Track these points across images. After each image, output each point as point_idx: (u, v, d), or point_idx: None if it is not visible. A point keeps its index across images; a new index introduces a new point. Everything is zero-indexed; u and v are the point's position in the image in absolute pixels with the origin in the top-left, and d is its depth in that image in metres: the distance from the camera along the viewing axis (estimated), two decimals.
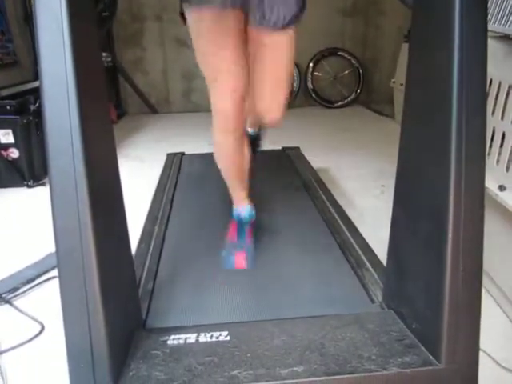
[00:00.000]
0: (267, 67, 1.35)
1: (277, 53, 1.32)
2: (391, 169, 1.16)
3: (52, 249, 0.91)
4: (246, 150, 1.54)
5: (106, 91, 1.04)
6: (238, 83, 1.31)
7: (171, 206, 1.82)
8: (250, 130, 1.74)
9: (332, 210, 1.80)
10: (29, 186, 2.71)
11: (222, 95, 1.33)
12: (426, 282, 0.99)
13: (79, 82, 0.85)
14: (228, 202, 1.61)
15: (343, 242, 1.54)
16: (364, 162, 2.97)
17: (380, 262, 1.39)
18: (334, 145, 3.43)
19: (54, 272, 1.69)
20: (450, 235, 0.91)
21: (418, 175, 1.01)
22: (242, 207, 1.55)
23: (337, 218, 1.72)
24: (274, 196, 1.93)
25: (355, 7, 4.80)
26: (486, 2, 0.93)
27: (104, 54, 4.31)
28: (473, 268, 0.93)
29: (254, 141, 1.77)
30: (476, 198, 0.92)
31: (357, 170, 2.82)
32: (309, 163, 2.44)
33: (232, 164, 1.49)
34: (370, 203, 2.29)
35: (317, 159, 2.65)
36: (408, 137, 1.04)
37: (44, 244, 1.82)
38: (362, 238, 1.57)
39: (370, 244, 1.54)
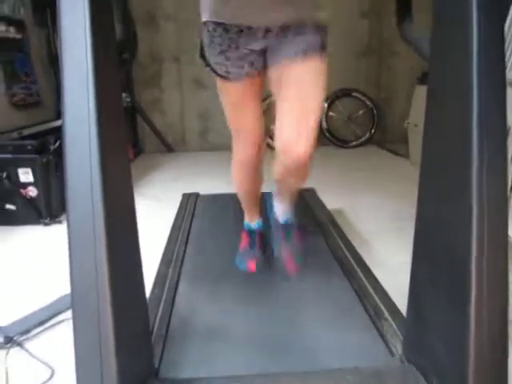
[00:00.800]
0: (292, 97, 1.30)
1: (302, 81, 1.28)
2: (407, 210, 1.14)
3: (66, 290, 0.90)
4: (263, 173, 1.68)
5: (126, 132, 1.06)
6: (257, 137, 1.52)
7: (186, 248, 1.81)
8: (279, 213, 1.74)
9: (347, 254, 1.77)
10: (45, 224, 2.74)
11: (243, 146, 1.54)
12: (448, 336, 0.95)
13: (100, 123, 0.87)
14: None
15: (360, 288, 1.51)
16: (379, 204, 2.94)
17: (399, 312, 1.35)
18: (349, 185, 3.42)
19: (68, 314, 1.67)
20: (473, 288, 0.88)
21: (438, 226, 0.99)
22: (253, 219, 1.81)
23: (352, 262, 1.69)
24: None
25: (369, 49, 4.91)
26: (503, 54, 0.94)
27: (124, 95, 4.44)
28: (498, 322, 0.89)
29: (286, 230, 1.73)
30: (499, 249, 0.89)
31: (372, 212, 2.79)
32: (324, 205, 2.43)
33: (248, 191, 1.72)
34: (386, 246, 2.25)
35: (332, 200, 2.64)
36: (427, 187, 1.03)
37: (59, 284, 1.82)
38: (380, 285, 1.53)
39: (387, 289, 1.50)
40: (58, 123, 3.54)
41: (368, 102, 4.94)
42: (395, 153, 4.52)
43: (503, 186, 0.88)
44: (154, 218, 2.63)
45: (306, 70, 1.27)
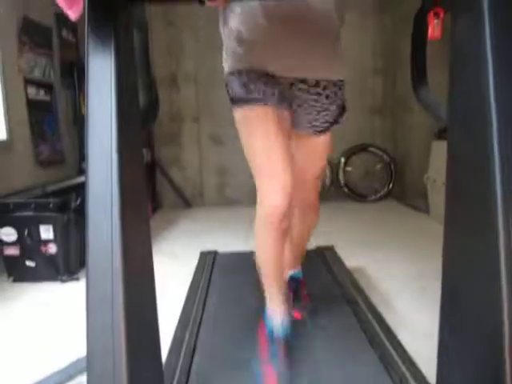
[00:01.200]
0: (306, 164, 1.53)
1: (316, 152, 1.54)
2: (429, 268, 1.10)
3: (82, 352, 0.87)
4: (287, 253, 1.62)
5: (146, 190, 1.07)
6: (288, 181, 1.29)
7: (203, 311, 1.77)
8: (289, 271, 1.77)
9: (370, 318, 1.70)
10: (63, 281, 2.74)
11: (271, 192, 1.30)
12: None
13: (122, 183, 0.88)
14: (264, 303, 1.53)
15: (384, 355, 1.43)
16: (400, 261, 2.87)
17: (426, 381, 1.27)
18: (369, 241, 3.36)
19: (83, 378, 1.63)
20: (507, 362, 0.83)
21: (466, 289, 0.95)
22: (276, 318, 1.40)
23: (376, 326, 1.62)
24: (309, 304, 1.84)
25: (384, 105, 5.00)
26: None
27: (144, 151, 4.57)
28: None
29: (296, 288, 1.74)
30: None
31: (394, 270, 2.72)
32: (344, 264, 2.38)
33: (272, 259, 1.40)
34: (410, 307, 2.16)
35: (352, 257, 2.59)
36: (452, 246, 0.99)
37: (73, 346, 1.78)
38: (405, 351, 1.46)
39: (413, 355, 1.42)
40: (79, 180, 3.63)
41: (385, 157, 4.96)
42: (415, 207, 4.47)
43: None
44: (172, 276, 2.60)
45: (320, 144, 1.53)
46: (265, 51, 1.30)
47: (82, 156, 4.07)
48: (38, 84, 3.60)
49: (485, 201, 0.87)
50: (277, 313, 1.41)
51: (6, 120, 3.18)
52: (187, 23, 4.68)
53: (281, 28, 1.26)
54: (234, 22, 1.31)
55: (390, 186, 4.95)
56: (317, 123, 1.45)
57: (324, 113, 1.42)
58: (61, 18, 3.79)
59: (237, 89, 1.33)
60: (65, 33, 4.03)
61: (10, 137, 3.21)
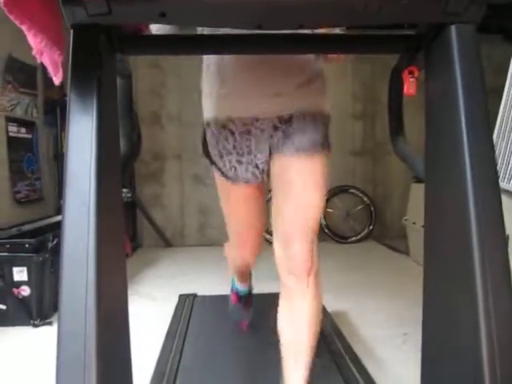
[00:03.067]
0: (292, 193, 1.24)
1: (303, 177, 1.25)
2: (411, 314, 1.10)
3: None
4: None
5: (123, 230, 1.05)
6: (257, 244, 1.51)
7: (180, 360, 1.71)
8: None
9: (351, 366, 1.67)
10: (35, 326, 2.63)
11: (240, 253, 1.57)
12: None
13: (99, 223, 0.86)
14: (243, 354, 1.51)
15: None
16: (382, 305, 2.85)
17: None
18: (350, 284, 3.35)
19: None
20: None
21: (446, 342, 0.95)
22: (241, 286, 1.98)
23: (357, 376, 1.59)
24: None
25: (364, 148, 5.11)
26: (495, 165, 0.96)
27: (124, 190, 4.53)
28: None
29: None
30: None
31: (375, 315, 2.69)
32: (324, 307, 2.35)
33: (240, 267, 1.80)
34: (392, 355, 2.13)
35: (333, 301, 2.56)
36: (431, 291, 0.99)
37: None
38: None
39: None
40: (57, 218, 3.55)
41: (365, 199, 5.02)
42: (395, 249, 4.49)
43: (508, 293, 0.85)
44: (149, 320, 2.53)
45: (308, 169, 1.24)
46: (231, 98, 1.27)
47: (61, 194, 4.01)
48: (20, 122, 3.58)
49: (462, 250, 0.88)
50: (242, 282, 1.97)
51: None
52: (171, 64, 4.77)
53: (246, 72, 1.24)
54: (208, 71, 1.32)
55: (371, 227, 4.99)
56: (299, 143, 1.25)
57: (307, 134, 1.26)
58: None
59: (212, 153, 1.33)
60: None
61: None
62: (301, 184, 1.23)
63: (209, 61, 1.30)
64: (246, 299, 2.04)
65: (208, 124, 1.33)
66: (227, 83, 1.26)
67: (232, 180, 1.33)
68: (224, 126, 1.28)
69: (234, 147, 1.28)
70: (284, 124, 1.26)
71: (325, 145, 1.28)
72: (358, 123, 5.12)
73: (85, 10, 0.78)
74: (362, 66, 4.95)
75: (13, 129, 3.49)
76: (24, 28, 0.77)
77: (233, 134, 1.28)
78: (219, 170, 1.35)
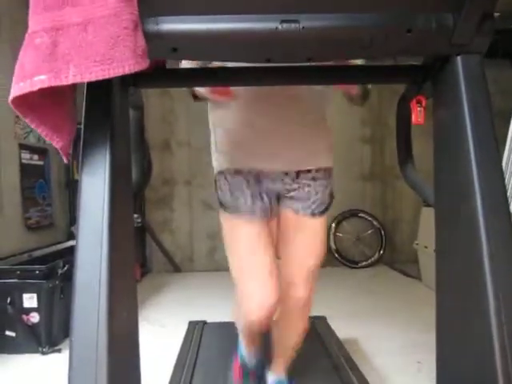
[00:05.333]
0: (298, 251, 1.40)
1: (308, 236, 1.40)
2: (425, 341, 1.08)
3: None
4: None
5: (134, 256, 1.06)
6: (272, 297, 1.31)
7: None
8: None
9: None
10: (43, 353, 2.61)
11: (252, 310, 1.33)
12: None
13: (111, 248, 0.87)
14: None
15: None
16: (395, 332, 2.80)
17: None
18: (361, 310, 3.30)
19: None
20: None
21: (460, 366, 0.93)
22: (250, 356, 1.68)
23: None
24: (299, 380, 1.77)
25: (373, 172, 5.11)
26: (505, 189, 0.96)
27: (135, 216, 4.55)
28: None
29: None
30: None
31: (388, 342, 2.64)
32: (335, 335, 2.32)
33: (252, 337, 1.60)
34: None
35: (344, 328, 2.53)
36: (444, 316, 0.98)
37: None
38: None
39: None
40: (68, 244, 3.58)
41: (375, 223, 4.99)
42: (406, 274, 4.43)
43: None
44: (158, 347, 2.50)
45: (313, 230, 1.40)
46: (249, 149, 1.33)
47: (72, 220, 4.05)
48: (33, 149, 3.65)
49: (475, 275, 0.87)
50: (251, 352, 1.67)
51: None
52: (181, 92, 4.85)
53: (264, 124, 1.29)
54: (217, 119, 1.38)
55: (381, 251, 4.94)
56: (314, 204, 1.38)
57: (319, 195, 1.38)
58: None
59: (225, 195, 1.37)
60: None
61: (1, 201, 3.20)
62: (307, 243, 1.39)
63: (222, 118, 1.38)
64: (250, 375, 1.68)
65: (221, 173, 1.39)
66: (241, 139, 1.33)
67: (244, 215, 1.35)
68: (238, 172, 1.35)
69: (248, 188, 1.35)
70: (296, 178, 1.36)
71: (330, 204, 1.42)
72: (366, 147, 5.13)
73: None
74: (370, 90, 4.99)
75: (26, 156, 3.56)
76: (26, 120, 0.80)
77: (247, 180, 1.35)
78: (232, 207, 1.36)
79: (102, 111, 0.94)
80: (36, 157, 3.71)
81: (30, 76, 0.74)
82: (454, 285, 0.97)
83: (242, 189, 1.34)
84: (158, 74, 0.98)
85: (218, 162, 1.40)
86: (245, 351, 1.68)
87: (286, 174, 1.35)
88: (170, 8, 0.78)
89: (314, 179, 1.36)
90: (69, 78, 0.72)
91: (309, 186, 1.35)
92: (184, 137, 4.96)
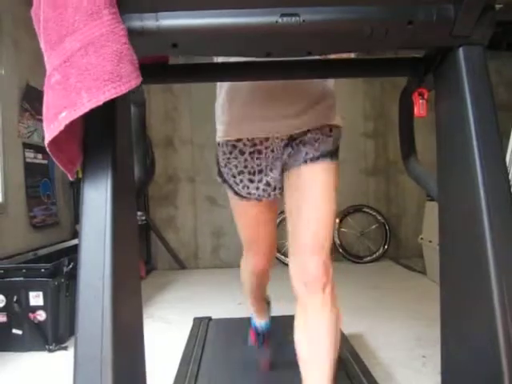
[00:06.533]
0: (306, 205, 1.25)
1: (315, 185, 1.25)
2: (430, 335, 1.07)
3: None
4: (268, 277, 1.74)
5: (138, 253, 1.07)
6: (269, 252, 1.57)
7: None
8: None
9: None
10: (50, 350, 2.63)
11: (254, 259, 1.58)
12: None
13: (115, 246, 0.87)
14: (260, 379, 1.49)
15: None
16: (399, 327, 2.80)
17: None
18: (366, 305, 3.30)
19: None
20: None
21: (465, 360, 0.93)
22: (260, 322, 1.94)
23: None
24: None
25: (376, 167, 5.09)
26: (510, 188, 0.95)
27: (139, 213, 4.57)
28: None
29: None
30: None
31: (393, 337, 2.64)
32: (341, 331, 2.31)
33: (256, 289, 1.78)
34: (412, 379, 2.08)
35: (349, 323, 2.51)
36: (448, 310, 0.98)
37: None
38: None
39: None
40: (73, 242, 3.59)
41: (379, 217, 4.98)
42: (411, 268, 4.43)
43: None
44: (164, 344, 2.51)
45: (320, 179, 1.25)
46: (248, 117, 1.28)
47: (76, 218, 4.06)
48: (37, 148, 3.66)
49: (478, 268, 0.87)
50: (259, 318, 1.95)
51: (2, 183, 3.21)
52: (182, 88, 4.85)
53: (256, 94, 1.25)
54: (220, 94, 1.35)
55: (386, 246, 4.93)
56: (311, 155, 1.27)
57: (316, 147, 1.27)
58: None
59: (223, 173, 1.37)
60: None
61: (6, 200, 3.22)
62: (314, 194, 1.24)
63: (221, 84, 1.34)
64: (265, 336, 1.99)
65: (219, 144, 1.36)
66: (236, 105, 1.29)
67: (244, 198, 1.37)
68: (234, 146, 1.32)
69: (246, 167, 1.32)
70: (294, 141, 1.29)
71: (335, 155, 1.28)
72: (369, 142, 5.12)
73: None
74: (372, 84, 4.98)
75: (30, 155, 3.57)
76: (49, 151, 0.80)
77: (243, 153, 1.31)
78: (232, 188, 1.38)
79: (104, 108, 0.94)
80: (40, 156, 3.72)
81: (55, 117, 0.75)
82: (457, 279, 0.96)
83: (240, 170, 1.32)
84: (160, 69, 0.98)
85: (217, 134, 1.38)
86: (255, 318, 1.97)
87: (286, 139, 1.28)
88: (170, 3, 0.78)
89: (315, 136, 1.27)
90: (85, 105, 0.73)
91: (310, 142, 1.27)
92: (187, 134, 4.96)
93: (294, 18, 0.76)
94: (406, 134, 1.14)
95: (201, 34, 0.79)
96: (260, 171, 1.32)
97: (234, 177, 1.35)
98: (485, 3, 0.81)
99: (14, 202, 3.32)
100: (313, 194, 1.24)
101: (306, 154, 1.26)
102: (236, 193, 1.38)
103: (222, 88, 1.34)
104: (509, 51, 4.47)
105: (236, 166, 1.33)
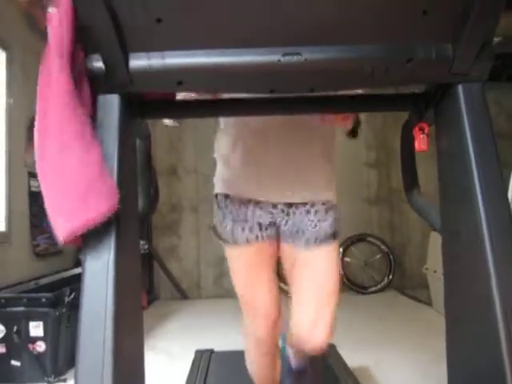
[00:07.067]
0: (305, 286, 1.31)
1: (314, 270, 1.30)
2: (436, 368, 1.06)
3: None
4: (279, 364, 1.47)
5: (141, 284, 1.06)
6: (272, 310, 1.34)
7: None
8: (292, 359, 1.61)
9: None
10: (49, 383, 2.58)
11: (255, 322, 1.36)
12: None
13: (117, 277, 0.86)
14: None
15: None
16: (405, 360, 2.74)
17: None
18: (371, 337, 3.24)
19: None
20: None
21: None
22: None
23: None
24: None
25: (380, 196, 5.10)
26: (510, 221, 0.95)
27: (142, 242, 4.56)
28: None
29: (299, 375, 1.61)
30: None
31: (398, 370, 2.58)
32: (345, 363, 2.27)
33: (265, 379, 1.48)
34: None
35: (353, 355, 2.48)
36: (455, 344, 0.96)
37: None
38: None
39: None
40: (75, 271, 3.57)
41: (383, 247, 4.95)
42: (416, 299, 4.36)
43: None
44: (165, 378, 2.46)
45: (320, 261, 1.30)
46: (249, 178, 1.30)
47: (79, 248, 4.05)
48: None
49: (483, 300, 0.87)
50: None
51: (6, 212, 3.22)
52: (188, 120, 4.92)
53: (267, 154, 1.27)
54: (222, 143, 1.36)
55: (390, 276, 4.88)
56: (311, 236, 1.32)
57: (316, 228, 1.32)
58: None
59: (220, 225, 1.34)
60: None
61: (9, 228, 3.23)
62: (316, 277, 1.30)
63: (226, 121, 1.35)
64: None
65: (216, 196, 1.38)
66: (241, 162, 1.31)
67: (236, 241, 1.32)
68: (229, 199, 1.33)
69: (238, 215, 1.31)
70: (297, 208, 1.31)
71: (336, 235, 1.34)
72: (372, 171, 5.14)
73: (108, 80, 0.83)
74: (374, 115, 5.03)
75: (34, 183, 3.60)
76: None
77: (240, 206, 1.31)
78: (225, 237, 1.34)
79: (110, 142, 0.96)
80: None
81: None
82: (462, 309, 0.96)
83: (233, 217, 1.31)
84: (165, 105, 1.00)
85: (215, 184, 1.40)
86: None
87: (276, 205, 1.31)
88: (176, 43, 0.81)
89: (308, 212, 1.31)
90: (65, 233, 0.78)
91: (301, 220, 1.30)
92: (191, 163, 5.00)
93: (295, 57, 0.78)
94: (408, 167, 1.16)
95: (205, 72, 0.81)
96: (253, 219, 1.31)
97: (231, 225, 1.31)
98: (483, 41, 0.83)
99: (18, 230, 3.33)
100: (315, 281, 1.30)
101: (306, 235, 1.30)
102: (227, 239, 1.34)
103: (224, 137, 1.35)
104: (509, 82, 4.54)
105: (231, 213, 1.32)
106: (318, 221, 1.30)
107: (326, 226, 1.30)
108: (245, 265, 1.35)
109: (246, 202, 1.31)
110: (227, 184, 1.34)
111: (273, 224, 1.33)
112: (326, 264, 1.31)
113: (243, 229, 1.30)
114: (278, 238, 1.35)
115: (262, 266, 1.34)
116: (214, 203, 1.39)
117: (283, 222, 1.32)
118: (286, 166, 1.28)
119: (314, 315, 1.28)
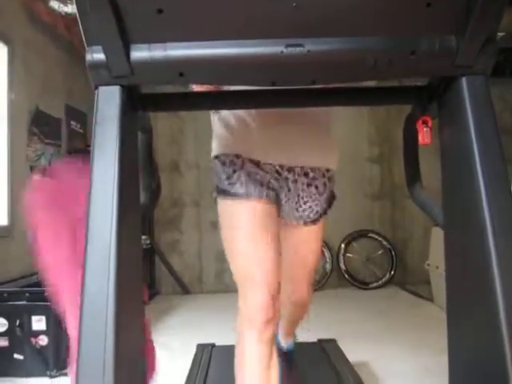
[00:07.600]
0: (296, 254, 1.45)
1: (306, 242, 1.45)
2: (437, 363, 1.05)
3: None
4: (275, 373, 1.29)
5: (143, 277, 1.06)
6: (273, 279, 1.23)
7: None
8: (283, 343, 1.77)
9: None
10: (51, 376, 2.59)
11: (253, 292, 1.25)
12: None
13: (119, 271, 0.86)
14: None
15: None
16: (406, 355, 2.74)
17: None
18: (372, 332, 3.24)
19: None
20: None
21: None
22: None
23: None
24: None
25: (382, 192, 5.09)
26: None
27: (143, 237, 4.57)
28: None
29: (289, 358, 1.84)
30: None
31: (400, 365, 2.59)
32: (346, 358, 2.27)
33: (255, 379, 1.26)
34: None
35: (355, 351, 2.48)
36: (456, 337, 0.96)
37: None
38: None
39: None
40: None
41: (385, 243, 4.95)
42: (418, 295, 4.37)
43: None
44: (166, 371, 2.45)
45: (310, 236, 1.45)
46: (251, 137, 1.27)
47: None
48: (43, 172, 3.69)
49: (486, 296, 0.86)
50: None
51: (8, 206, 3.23)
52: (189, 113, 4.91)
53: (271, 116, 1.24)
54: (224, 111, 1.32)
55: (392, 272, 4.88)
56: (305, 213, 1.37)
57: (314, 203, 1.35)
58: (70, 110, 4.01)
59: (220, 179, 1.28)
60: (73, 124, 4.22)
61: (12, 222, 3.23)
62: (306, 249, 1.46)
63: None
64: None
65: (216, 157, 1.32)
66: (246, 125, 1.27)
67: (241, 196, 1.25)
68: (231, 159, 1.28)
69: (249, 174, 1.27)
70: (299, 177, 1.32)
71: (330, 208, 1.42)
72: (375, 166, 5.13)
73: (109, 71, 0.83)
74: (377, 109, 5.02)
75: (37, 177, 3.59)
76: None
77: (243, 165, 1.27)
78: (227, 193, 1.27)
79: (111, 135, 0.95)
80: None
81: None
82: (464, 305, 0.95)
83: (238, 172, 1.26)
84: (166, 97, 1.00)
85: (214, 146, 1.35)
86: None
87: (288, 170, 1.30)
88: (177, 34, 0.80)
89: (315, 180, 1.34)
90: None
91: (312, 186, 1.33)
92: (192, 158, 5.00)
93: (298, 49, 0.77)
94: (410, 161, 1.15)
95: (207, 63, 0.81)
96: (259, 173, 1.28)
97: (229, 178, 1.26)
98: (487, 34, 0.82)
99: (20, 224, 3.33)
100: (306, 249, 1.47)
101: (305, 214, 1.38)
102: (233, 193, 1.25)
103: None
104: None
105: (235, 172, 1.26)
106: (319, 194, 1.36)
107: (322, 200, 1.37)
108: (255, 216, 1.23)
109: (246, 165, 1.27)
110: (227, 144, 1.31)
111: (273, 191, 1.30)
112: (315, 237, 1.45)
113: (255, 183, 1.25)
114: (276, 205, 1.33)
115: (270, 223, 1.25)
116: (216, 165, 1.32)
117: (283, 191, 1.32)
118: (295, 132, 1.27)
119: (300, 277, 1.49)
